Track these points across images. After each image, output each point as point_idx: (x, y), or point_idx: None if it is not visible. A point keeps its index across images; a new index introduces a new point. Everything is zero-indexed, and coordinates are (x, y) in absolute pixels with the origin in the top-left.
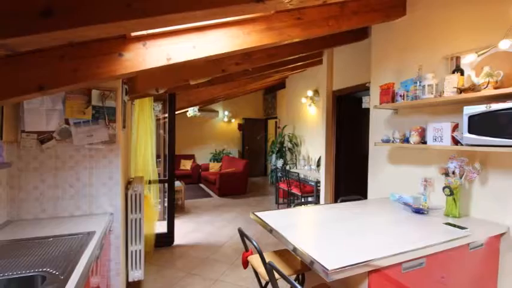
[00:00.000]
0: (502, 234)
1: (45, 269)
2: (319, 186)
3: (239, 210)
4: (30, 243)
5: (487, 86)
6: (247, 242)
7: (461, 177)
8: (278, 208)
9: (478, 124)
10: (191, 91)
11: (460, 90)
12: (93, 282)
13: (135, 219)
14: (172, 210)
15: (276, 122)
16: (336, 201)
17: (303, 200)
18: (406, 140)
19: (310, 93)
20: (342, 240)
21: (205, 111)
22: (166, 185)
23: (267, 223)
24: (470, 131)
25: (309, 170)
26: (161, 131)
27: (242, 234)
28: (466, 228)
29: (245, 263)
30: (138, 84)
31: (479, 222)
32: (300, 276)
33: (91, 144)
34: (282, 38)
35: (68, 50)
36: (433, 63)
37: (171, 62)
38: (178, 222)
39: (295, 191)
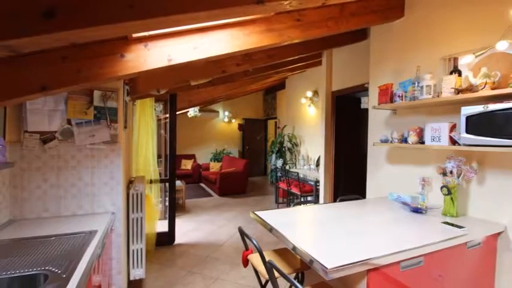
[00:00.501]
0: (499, 233)
1: (47, 268)
2: (319, 185)
3: (239, 210)
4: (33, 242)
5: (484, 87)
6: (247, 240)
7: (458, 177)
8: (278, 207)
9: (475, 124)
10: (192, 92)
11: (458, 91)
12: (95, 281)
13: (137, 219)
14: (173, 210)
15: (275, 122)
16: (335, 201)
17: (302, 200)
18: (404, 140)
19: (309, 93)
20: (341, 239)
21: (205, 112)
22: (167, 184)
23: (267, 222)
24: (467, 131)
25: (309, 169)
26: (162, 131)
27: (242, 233)
28: (464, 227)
29: (245, 262)
30: (140, 84)
31: (476, 222)
32: (300, 275)
33: (93, 144)
34: (282, 39)
35: (71, 51)
36: (431, 64)
37: (172, 63)
38: (179, 222)
39: (294, 190)
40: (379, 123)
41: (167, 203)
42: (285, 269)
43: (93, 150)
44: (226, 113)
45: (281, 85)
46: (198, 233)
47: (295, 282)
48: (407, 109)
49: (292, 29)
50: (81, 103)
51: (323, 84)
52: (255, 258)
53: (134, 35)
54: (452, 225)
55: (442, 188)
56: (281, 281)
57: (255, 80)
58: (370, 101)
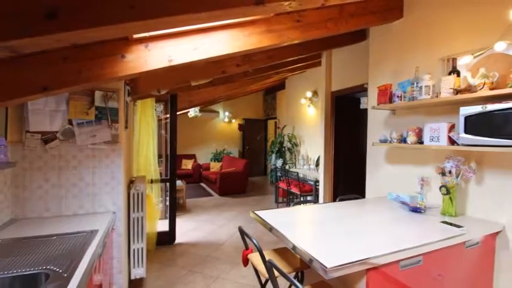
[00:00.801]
0: (497, 233)
1: (48, 267)
2: (318, 185)
3: (239, 209)
4: (34, 241)
5: (482, 87)
6: (247, 240)
7: (457, 177)
8: (278, 207)
9: (474, 124)
10: (192, 92)
11: (456, 91)
12: (96, 280)
13: (137, 218)
14: (174, 209)
15: (275, 123)
16: (334, 200)
17: (302, 199)
18: (403, 140)
19: (309, 94)
20: (341, 238)
21: (206, 112)
22: (167, 184)
23: (266, 222)
24: (466, 131)
25: (308, 169)
26: (163, 131)
27: (242, 233)
28: (462, 226)
29: (245, 261)
30: (140, 85)
31: (475, 221)
32: (299, 274)
33: (94, 144)
34: (282, 40)
35: (71, 52)
36: (429, 65)
37: (173, 63)
38: (179, 221)
39: (294, 190)
40: (378, 124)
41: (168, 203)
42: (285, 268)
43: (94, 150)
44: (227, 113)
45: (281, 85)
46: (199, 232)
47: (295, 281)
48: (406, 109)
49: (292, 30)
50: (83, 103)
51: (322, 85)
52: (255, 257)
53: (135, 36)
54: (451, 224)
55: (440, 187)
56: (281, 280)
57: (255, 80)
58: (370, 101)
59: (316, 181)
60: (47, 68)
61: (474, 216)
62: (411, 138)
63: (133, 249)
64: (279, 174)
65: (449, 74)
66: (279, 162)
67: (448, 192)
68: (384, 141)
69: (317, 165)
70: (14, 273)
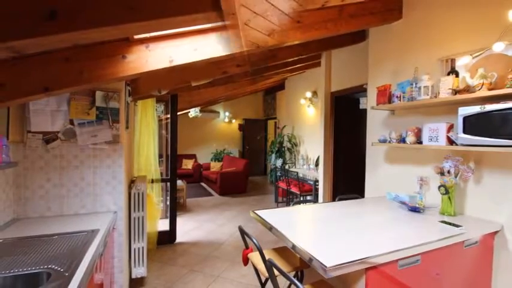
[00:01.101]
0: (496, 232)
1: (50, 266)
2: (318, 185)
3: (239, 209)
4: (36, 240)
5: (481, 88)
6: (247, 239)
7: (456, 176)
8: (277, 206)
9: (472, 124)
10: (193, 92)
11: (455, 92)
12: (97, 279)
13: (138, 218)
14: (174, 209)
15: (275, 123)
16: (334, 200)
17: (301, 199)
18: (402, 140)
19: (309, 94)
20: (340, 237)
21: (206, 112)
22: (168, 184)
23: (266, 221)
24: (465, 132)
25: (308, 169)
26: (163, 132)
27: (242, 232)
28: (461, 226)
29: (245, 260)
30: (141, 85)
31: (473, 221)
32: (299, 273)
33: (95, 144)
34: (282, 41)
35: (73, 52)
36: (428, 65)
37: (173, 64)
38: (180, 220)
39: (294, 190)
40: (377, 124)
41: (168, 202)
42: (285, 268)
43: (96, 150)
44: (227, 114)
45: (281, 86)
46: (199, 231)
47: (295, 280)
48: (406, 109)
49: (292, 31)
50: (84, 104)
51: (322, 85)
52: (255, 256)
53: (136, 36)
54: (449, 224)
55: (439, 187)
56: (281, 279)
57: (255, 80)
58: (369, 101)
59: (316, 181)
60: (49, 69)
61: (473, 216)
62: (410, 138)
63: (134, 249)
64: (278, 174)
65: (448, 74)
66: (279, 162)
67: (446, 192)
68: (383, 141)
69: (316, 165)
70: (16, 273)
